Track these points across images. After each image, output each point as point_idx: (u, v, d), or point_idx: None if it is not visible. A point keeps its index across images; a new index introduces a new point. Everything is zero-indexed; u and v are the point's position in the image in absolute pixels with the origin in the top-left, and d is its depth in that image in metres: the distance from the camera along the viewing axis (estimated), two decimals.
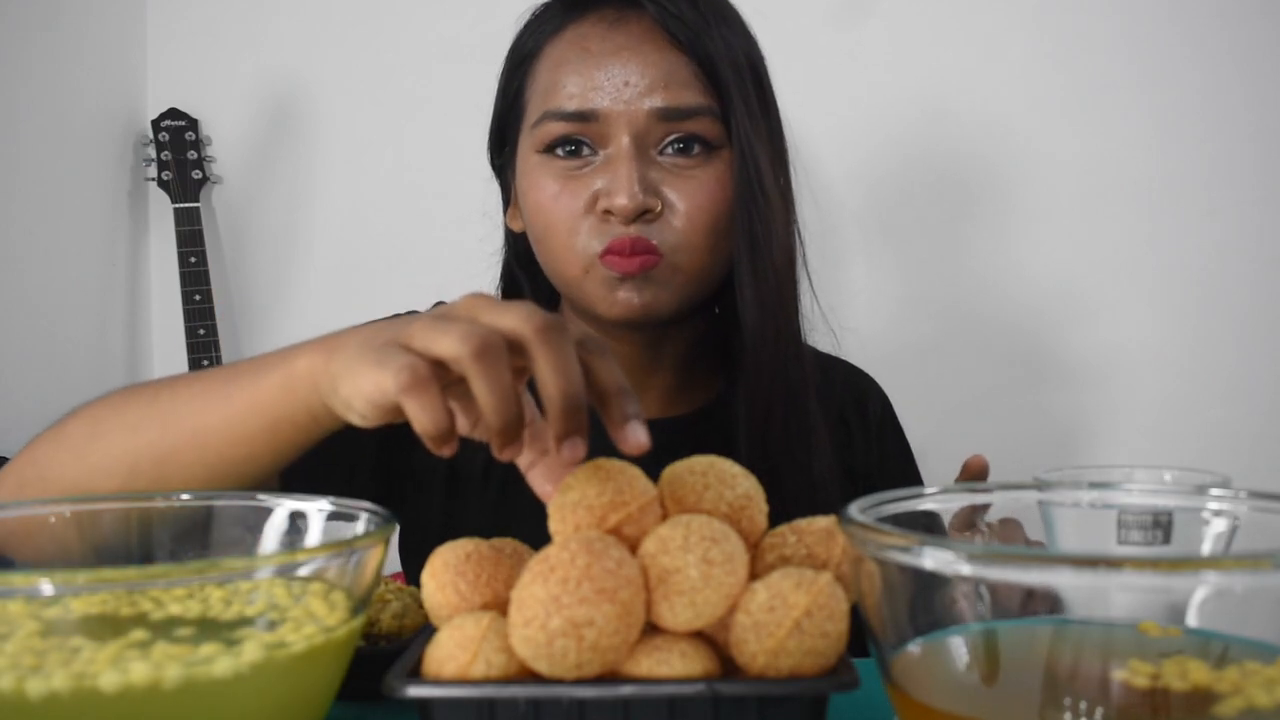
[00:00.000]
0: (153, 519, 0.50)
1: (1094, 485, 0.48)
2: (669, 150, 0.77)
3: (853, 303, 1.57)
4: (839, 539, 0.46)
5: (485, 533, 0.49)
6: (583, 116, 0.76)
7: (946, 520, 0.45)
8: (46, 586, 0.35)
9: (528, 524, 0.53)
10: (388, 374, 0.44)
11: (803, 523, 0.47)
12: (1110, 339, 1.58)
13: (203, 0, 1.77)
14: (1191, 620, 0.36)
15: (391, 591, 0.58)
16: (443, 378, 0.45)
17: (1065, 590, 0.36)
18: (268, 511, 0.49)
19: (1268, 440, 1.51)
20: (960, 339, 1.61)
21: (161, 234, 1.76)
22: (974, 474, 0.78)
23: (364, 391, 0.46)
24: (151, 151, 1.71)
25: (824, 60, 1.59)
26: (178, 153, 1.69)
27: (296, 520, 0.48)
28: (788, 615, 0.40)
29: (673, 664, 0.40)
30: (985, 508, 0.47)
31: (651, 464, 0.46)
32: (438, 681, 0.40)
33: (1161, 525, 0.46)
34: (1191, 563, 0.31)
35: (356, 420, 0.49)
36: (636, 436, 0.45)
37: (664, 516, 0.45)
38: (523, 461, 0.51)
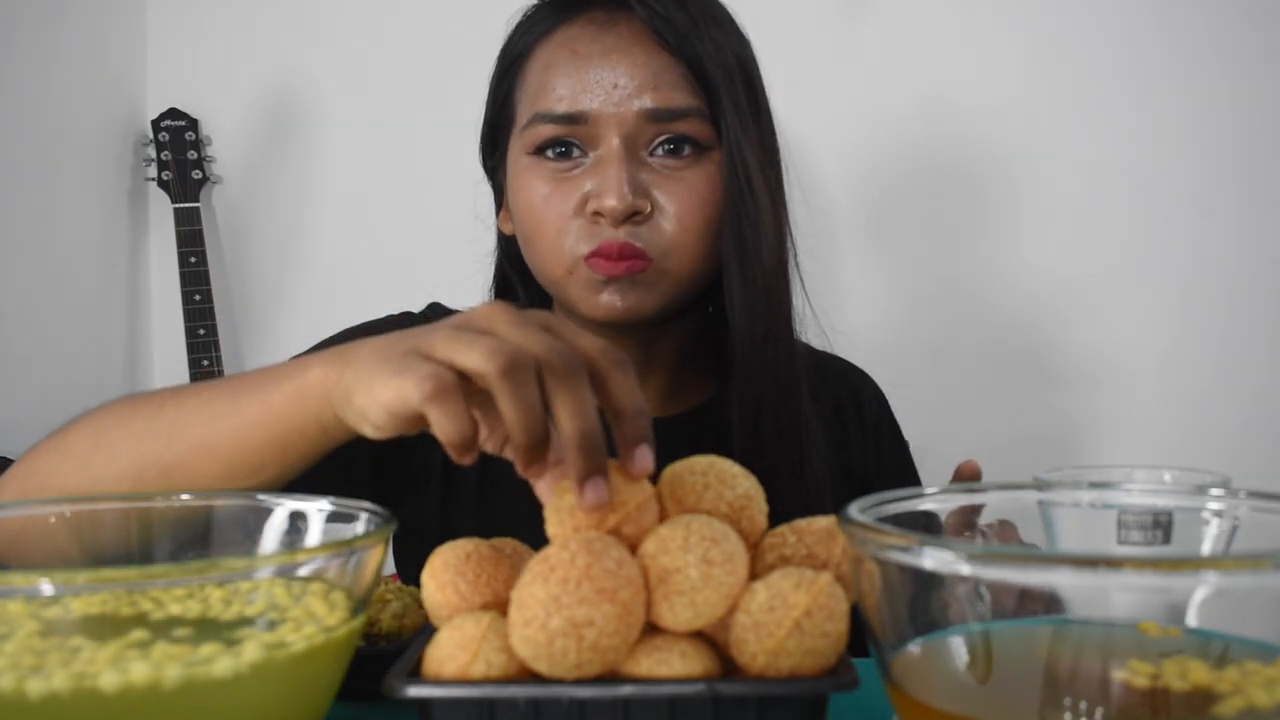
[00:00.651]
0: (153, 519, 0.50)
1: (1094, 485, 0.48)
2: (659, 151, 0.77)
3: (846, 303, 1.56)
4: (839, 539, 0.46)
5: (481, 535, 0.49)
6: (572, 119, 0.76)
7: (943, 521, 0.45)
8: (46, 586, 0.35)
9: (524, 527, 0.54)
10: (410, 383, 0.44)
11: (803, 523, 0.47)
12: (1109, 339, 1.58)
13: (203, 0, 1.77)
14: (1191, 620, 0.36)
15: (391, 591, 0.58)
16: (464, 388, 0.45)
17: (1065, 590, 0.36)
18: (268, 512, 0.49)
19: (1268, 440, 1.51)
20: (956, 340, 1.61)
21: (161, 234, 1.76)
22: (966, 479, 0.78)
23: (382, 400, 0.46)
24: (151, 151, 1.71)
25: (818, 60, 1.59)
26: (178, 153, 1.69)
27: (296, 520, 0.48)
28: (788, 615, 0.40)
29: (673, 664, 0.40)
30: (980, 508, 0.47)
31: None
32: (438, 681, 0.40)
33: (1161, 525, 0.46)
34: (1191, 563, 0.31)
35: (369, 431, 0.49)
36: (643, 462, 0.44)
37: (664, 516, 0.45)
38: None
